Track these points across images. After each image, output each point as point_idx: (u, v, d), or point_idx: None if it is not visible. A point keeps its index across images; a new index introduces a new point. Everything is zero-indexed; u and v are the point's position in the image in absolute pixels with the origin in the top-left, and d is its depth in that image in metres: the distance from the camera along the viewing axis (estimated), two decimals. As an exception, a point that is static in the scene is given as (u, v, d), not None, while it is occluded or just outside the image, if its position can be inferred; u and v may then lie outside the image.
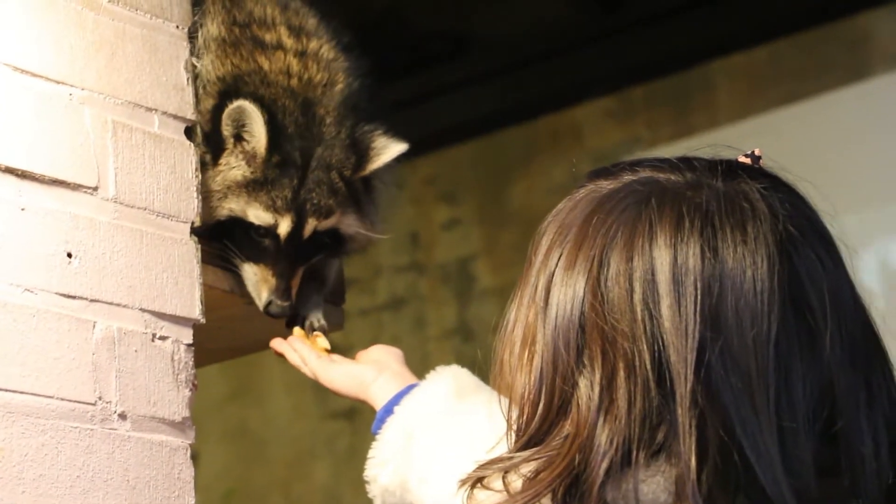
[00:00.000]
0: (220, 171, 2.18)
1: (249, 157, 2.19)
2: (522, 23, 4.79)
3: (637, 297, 1.32)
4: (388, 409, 2.06)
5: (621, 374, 1.31)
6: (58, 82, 1.89)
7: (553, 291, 1.37)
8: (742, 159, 1.42)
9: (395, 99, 4.62)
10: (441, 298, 5.09)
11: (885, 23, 4.45)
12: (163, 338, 1.95)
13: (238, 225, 2.20)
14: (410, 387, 2.08)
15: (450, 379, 2.05)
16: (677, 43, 4.67)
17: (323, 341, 2.26)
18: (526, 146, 4.98)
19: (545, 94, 4.91)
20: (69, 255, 1.87)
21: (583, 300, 1.34)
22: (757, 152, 1.42)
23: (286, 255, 2.22)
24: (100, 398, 1.86)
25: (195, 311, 2.00)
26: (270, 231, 2.21)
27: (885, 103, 4.35)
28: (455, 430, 1.97)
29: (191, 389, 1.97)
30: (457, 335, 5.00)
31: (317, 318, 2.32)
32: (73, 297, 1.86)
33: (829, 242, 1.38)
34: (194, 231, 2.05)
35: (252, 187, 2.19)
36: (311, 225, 2.23)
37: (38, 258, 1.83)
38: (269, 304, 2.21)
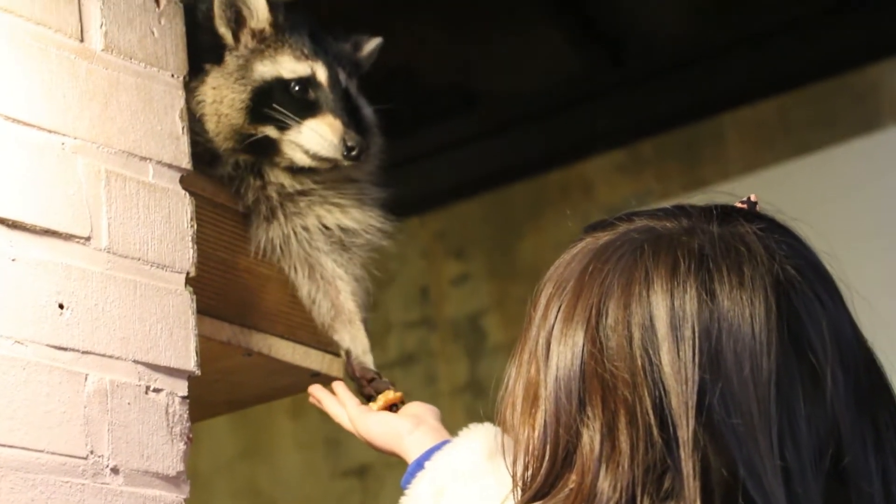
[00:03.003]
0: (227, 63, 2.21)
1: (256, 32, 2.23)
2: (531, 77, 4.79)
3: (636, 343, 1.32)
4: (420, 464, 2.04)
5: (622, 420, 1.31)
6: (50, 131, 1.88)
7: (553, 345, 1.37)
8: (739, 205, 1.42)
9: (405, 154, 4.62)
10: (452, 354, 5.07)
11: (894, 74, 4.44)
12: (157, 390, 1.93)
13: (277, 92, 2.21)
14: (443, 443, 2.07)
15: (482, 437, 2.03)
16: (686, 96, 4.67)
17: (392, 394, 2.22)
18: (535, 201, 4.97)
19: (554, 149, 4.91)
20: (61, 307, 1.84)
21: (582, 350, 1.34)
22: (753, 198, 1.42)
23: (338, 100, 2.23)
24: (91, 452, 1.83)
25: (190, 363, 1.98)
26: (311, 81, 2.23)
27: (894, 155, 4.33)
28: (484, 490, 1.96)
29: (186, 443, 1.95)
30: (468, 391, 4.98)
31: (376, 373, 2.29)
32: (65, 349, 1.83)
33: (829, 282, 1.37)
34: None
35: (272, 47, 2.23)
36: (342, 75, 2.27)
37: (30, 309, 1.81)
38: (343, 142, 2.20)
